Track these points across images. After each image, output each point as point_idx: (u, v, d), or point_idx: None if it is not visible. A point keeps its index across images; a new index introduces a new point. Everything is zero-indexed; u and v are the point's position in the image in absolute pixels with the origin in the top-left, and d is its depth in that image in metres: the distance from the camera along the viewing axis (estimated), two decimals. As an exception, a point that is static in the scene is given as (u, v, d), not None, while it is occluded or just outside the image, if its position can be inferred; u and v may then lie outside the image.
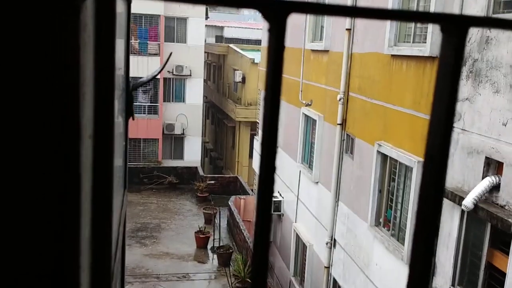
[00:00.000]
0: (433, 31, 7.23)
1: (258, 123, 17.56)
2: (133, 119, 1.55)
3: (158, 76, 24.51)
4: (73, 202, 0.55)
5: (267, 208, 0.42)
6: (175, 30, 25.75)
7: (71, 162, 0.53)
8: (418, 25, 7.96)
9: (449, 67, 0.44)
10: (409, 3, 8.27)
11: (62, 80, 0.49)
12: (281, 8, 0.39)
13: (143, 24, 24.90)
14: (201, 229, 17.54)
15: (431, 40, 7.24)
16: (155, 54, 24.79)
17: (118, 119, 1.40)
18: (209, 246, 17.29)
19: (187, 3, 0.41)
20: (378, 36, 8.93)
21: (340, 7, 0.42)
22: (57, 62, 0.48)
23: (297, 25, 13.19)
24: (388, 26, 8.50)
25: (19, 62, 0.47)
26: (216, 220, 17.97)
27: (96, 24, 0.68)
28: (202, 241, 17.28)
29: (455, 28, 0.44)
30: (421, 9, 7.89)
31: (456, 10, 6.70)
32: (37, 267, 0.54)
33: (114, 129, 0.86)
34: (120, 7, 1.39)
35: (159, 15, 24.79)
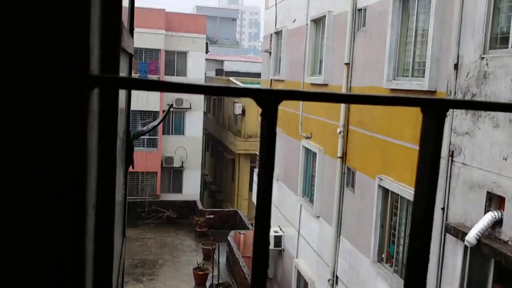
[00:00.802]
0: (431, 66, 7.30)
1: (258, 155, 17.54)
2: (133, 167, 1.53)
3: (158, 109, 24.64)
4: (77, 273, 0.56)
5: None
6: (175, 63, 26.08)
7: (76, 235, 0.55)
8: (417, 59, 8.05)
9: (430, 147, 0.47)
10: (406, 41, 8.37)
11: (71, 161, 0.53)
12: (272, 96, 0.43)
13: (143, 58, 25.24)
14: (199, 265, 17.25)
15: (430, 74, 7.30)
16: (155, 88, 24.99)
17: (119, 169, 1.41)
18: (207, 283, 16.96)
19: (188, 93, 0.45)
20: (376, 70, 9.02)
21: (325, 94, 0.48)
22: (66, 145, 0.52)
23: (297, 59, 13.35)
24: (386, 61, 8.58)
25: (33, 145, 0.52)
26: (215, 256, 17.69)
27: (100, 108, 0.75)
28: (200, 278, 16.96)
29: (434, 110, 0.48)
30: (418, 44, 7.98)
31: (453, 47, 6.78)
32: None
33: (115, 196, 0.90)
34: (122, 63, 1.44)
35: (160, 49, 25.15)
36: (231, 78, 29.71)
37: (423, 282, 0.49)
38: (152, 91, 0.44)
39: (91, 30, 0.56)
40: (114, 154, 0.85)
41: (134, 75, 24.90)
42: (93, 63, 0.63)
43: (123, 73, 1.47)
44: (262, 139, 0.43)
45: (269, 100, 0.43)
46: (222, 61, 37.17)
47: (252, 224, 20.55)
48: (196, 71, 26.11)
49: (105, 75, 0.66)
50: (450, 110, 7.11)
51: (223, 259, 18.47)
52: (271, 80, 15.37)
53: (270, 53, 15.90)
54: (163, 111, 25.42)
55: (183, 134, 26.40)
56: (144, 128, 2.32)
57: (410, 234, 0.52)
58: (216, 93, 0.44)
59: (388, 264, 8.62)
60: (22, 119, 0.51)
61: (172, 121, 26.32)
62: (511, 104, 0.51)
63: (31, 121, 0.52)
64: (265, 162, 0.43)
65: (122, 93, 1.51)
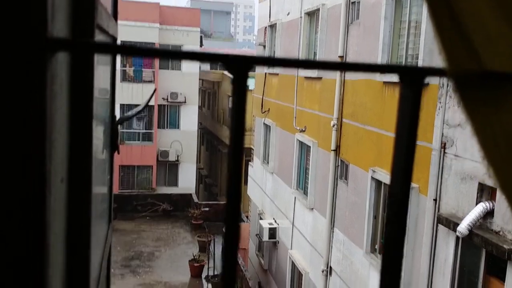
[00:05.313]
0: (424, 58, 7.34)
1: (252, 149, 17.57)
2: (118, 153, 1.55)
3: (153, 103, 24.59)
4: (37, 253, 0.52)
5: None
6: (169, 57, 25.98)
7: (35, 209, 0.51)
8: (410, 51, 8.08)
9: (408, 115, 0.46)
10: (400, 33, 8.41)
11: (26, 131, 0.49)
12: (242, 62, 0.43)
13: (138, 52, 25.13)
14: (195, 257, 17.32)
15: (423, 66, 7.33)
16: (150, 81, 24.95)
17: (103, 154, 1.39)
18: (203, 275, 17.04)
19: (161, 58, 0.46)
20: (370, 63, 9.04)
21: (296, 61, 0.47)
22: (20, 114, 0.49)
23: (291, 52, 13.35)
24: (380, 53, 8.62)
25: None
26: (210, 248, 17.77)
27: (72, 72, 0.70)
28: (196, 269, 17.04)
29: (412, 78, 0.46)
30: (412, 37, 8.01)
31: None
32: None
33: (92, 171, 0.87)
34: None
35: (154, 43, 25.06)
36: (225, 72, 29.64)
37: (400, 261, 0.48)
38: (121, 54, 0.45)
39: None
40: (89, 125, 0.82)
41: (129, 68, 24.85)
42: (58, 29, 0.59)
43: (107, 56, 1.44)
44: (233, 107, 0.43)
45: (239, 66, 0.43)
46: (217, 55, 37.07)
47: (247, 217, 20.64)
48: (191, 64, 26.04)
49: (64, 38, 0.62)
50: (443, 102, 7.17)
51: (218, 251, 18.53)
52: (266, 73, 15.38)
53: (264, 46, 15.88)
54: (158, 105, 25.39)
55: (178, 128, 26.38)
56: (129, 113, 2.36)
57: (387, 213, 0.49)
58: (183, 58, 0.44)
59: (381, 255, 8.70)
60: None
61: (167, 115, 26.29)
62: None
63: None
64: (236, 130, 0.43)
65: (106, 75, 1.46)
